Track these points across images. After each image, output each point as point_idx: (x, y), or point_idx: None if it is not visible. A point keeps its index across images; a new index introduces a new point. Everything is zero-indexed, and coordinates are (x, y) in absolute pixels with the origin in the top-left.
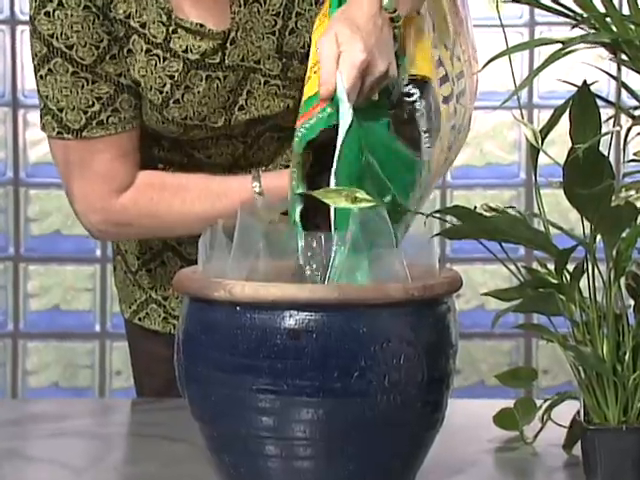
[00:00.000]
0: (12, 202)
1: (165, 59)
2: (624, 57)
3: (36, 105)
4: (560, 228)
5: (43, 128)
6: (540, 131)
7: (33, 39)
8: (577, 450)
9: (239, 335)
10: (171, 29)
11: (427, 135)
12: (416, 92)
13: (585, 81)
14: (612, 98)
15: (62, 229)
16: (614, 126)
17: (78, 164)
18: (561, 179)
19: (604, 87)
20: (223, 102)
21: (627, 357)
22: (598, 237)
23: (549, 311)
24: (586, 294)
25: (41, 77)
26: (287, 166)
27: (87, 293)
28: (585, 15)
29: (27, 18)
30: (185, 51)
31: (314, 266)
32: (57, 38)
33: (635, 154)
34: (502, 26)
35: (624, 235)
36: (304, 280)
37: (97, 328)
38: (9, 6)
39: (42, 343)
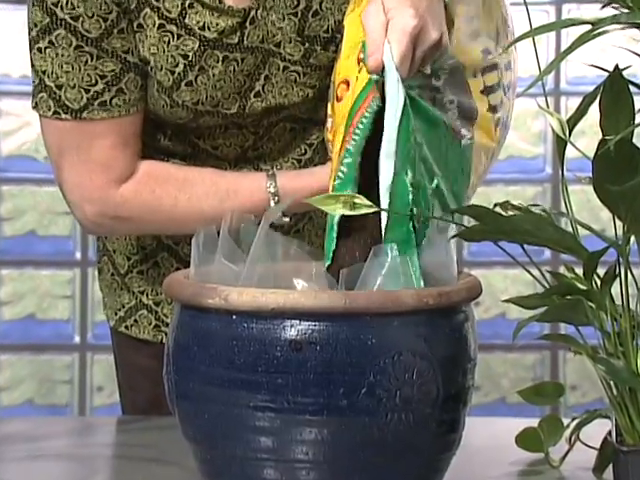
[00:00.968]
0: None
1: (179, 36)
2: None
3: (8, 91)
4: (589, 228)
5: (35, 107)
6: (567, 121)
7: (34, 7)
8: (608, 474)
9: (235, 347)
10: (187, 3)
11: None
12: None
13: (617, 65)
14: None
15: (38, 229)
16: None
17: (75, 149)
18: (591, 174)
19: (638, 72)
20: (239, 87)
21: None
22: (632, 238)
23: (577, 320)
24: (618, 301)
25: (39, 50)
26: (299, 160)
27: (65, 300)
28: None
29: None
30: (202, 28)
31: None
32: (62, 7)
33: None
34: (526, 4)
35: None
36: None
37: (76, 339)
38: None
39: (15, 356)
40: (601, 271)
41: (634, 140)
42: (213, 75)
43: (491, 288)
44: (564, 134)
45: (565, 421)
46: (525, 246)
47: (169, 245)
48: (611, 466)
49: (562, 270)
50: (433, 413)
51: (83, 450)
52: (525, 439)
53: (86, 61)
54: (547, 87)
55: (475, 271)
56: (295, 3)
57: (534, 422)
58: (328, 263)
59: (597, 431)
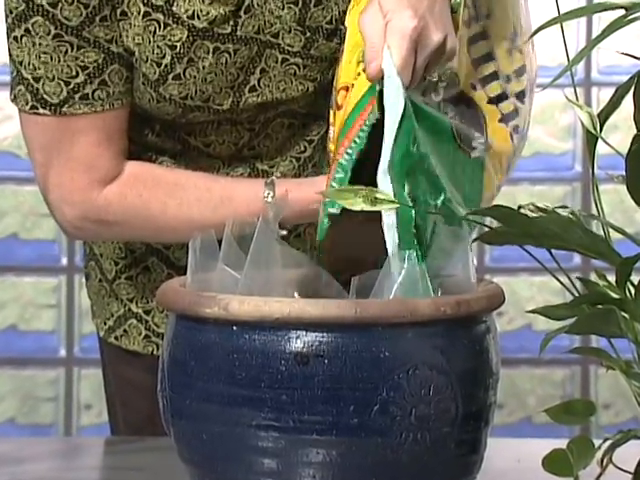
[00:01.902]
0: None
1: (166, 25)
2: None
3: None
4: (623, 232)
5: (14, 100)
6: (598, 114)
7: None
8: None
9: (236, 360)
10: None
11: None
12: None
13: None
14: None
15: (20, 232)
16: None
17: (55, 146)
18: (624, 172)
19: None
20: (232, 81)
21: None
22: None
23: (609, 332)
24: None
25: (15, 39)
26: (298, 158)
27: (50, 310)
28: None
29: None
30: (191, 17)
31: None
32: None
33: None
34: None
35: None
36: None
37: (62, 352)
38: None
39: None
40: (635, 278)
41: None
42: (203, 68)
43: (515, 297)
44: (595, 128)
45: (596, 442)
46: (553, 251)
47: (159, 249)
48: None
49: (593, 277)
50: (452, 433)
51: (69, 474)
52: (553, 462)
53: (66, 51)
54: (576, 77)
55: (498, 278)
56: None
57: (563, 443)
58: (319, 239)
59: (631, 453)
